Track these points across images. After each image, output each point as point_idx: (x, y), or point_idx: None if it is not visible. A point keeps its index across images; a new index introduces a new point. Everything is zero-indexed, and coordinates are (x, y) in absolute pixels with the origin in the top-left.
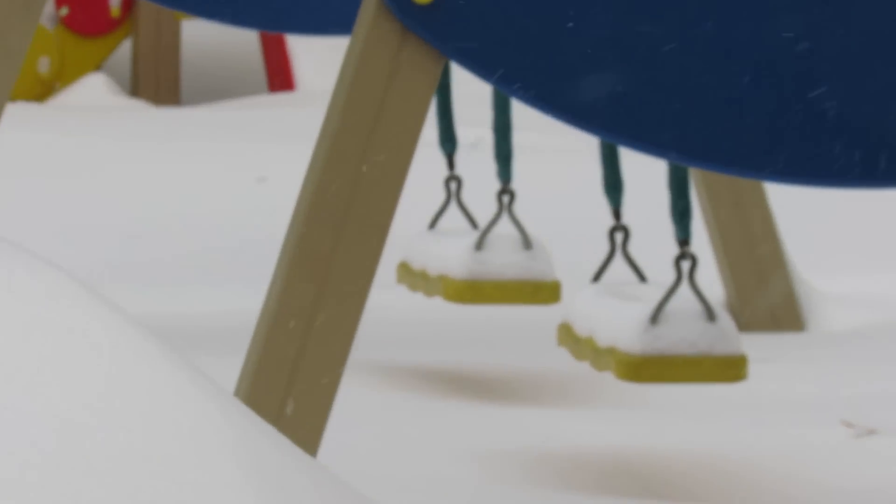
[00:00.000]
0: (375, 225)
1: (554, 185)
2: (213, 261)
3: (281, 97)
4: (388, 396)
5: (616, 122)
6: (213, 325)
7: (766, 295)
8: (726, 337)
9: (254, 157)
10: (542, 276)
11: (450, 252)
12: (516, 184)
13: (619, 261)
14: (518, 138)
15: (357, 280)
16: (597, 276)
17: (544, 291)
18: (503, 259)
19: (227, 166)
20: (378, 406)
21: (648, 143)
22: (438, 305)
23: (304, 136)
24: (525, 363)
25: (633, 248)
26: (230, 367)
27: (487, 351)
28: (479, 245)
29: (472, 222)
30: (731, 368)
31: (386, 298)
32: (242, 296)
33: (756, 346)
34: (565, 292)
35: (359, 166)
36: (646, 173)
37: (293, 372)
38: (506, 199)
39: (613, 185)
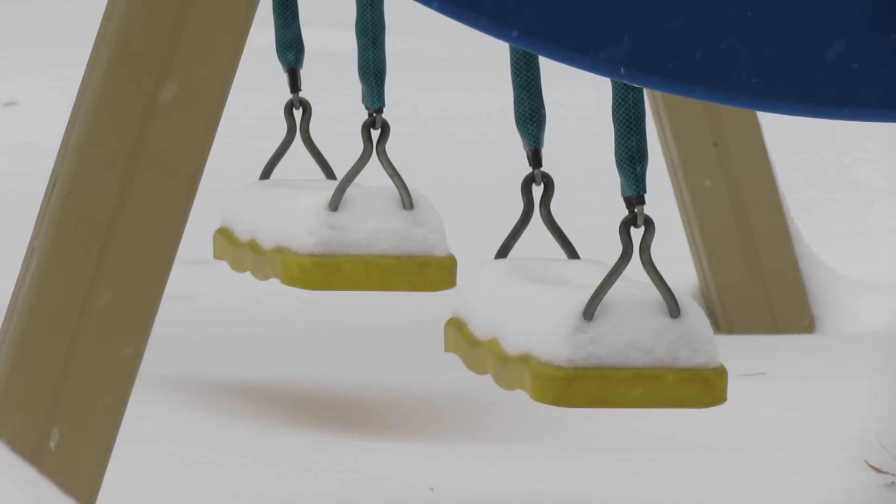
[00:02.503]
0: (177, 175)
1: (448, 111)
2: None
3: None
4: (197, 423)
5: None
6: None
7: (759, 281)
8: (696, 340)
9: None
10: (429, 249)
11: (292, 213)
12: (389, 113)
13: (541, 228)
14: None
15: (153, 252)
16: (503, 250)
17: (432, 271)
18: (370, 223)
19: None
20: (182, 438)
21: (585, 54)
22: (274, 291)
23: (78, 44)
24: (399, 377)
25: (587, 220)
26: None
27: (344, 359)
28: (336, 203)
29: (326, 168)
30: (702, 387)
31: (196, 281)
32: None
33: (744, 355)
34: (463, 273)
35: (152, 93)
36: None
37: (59, 388)
38: (375, 134)
39: (530, 116)
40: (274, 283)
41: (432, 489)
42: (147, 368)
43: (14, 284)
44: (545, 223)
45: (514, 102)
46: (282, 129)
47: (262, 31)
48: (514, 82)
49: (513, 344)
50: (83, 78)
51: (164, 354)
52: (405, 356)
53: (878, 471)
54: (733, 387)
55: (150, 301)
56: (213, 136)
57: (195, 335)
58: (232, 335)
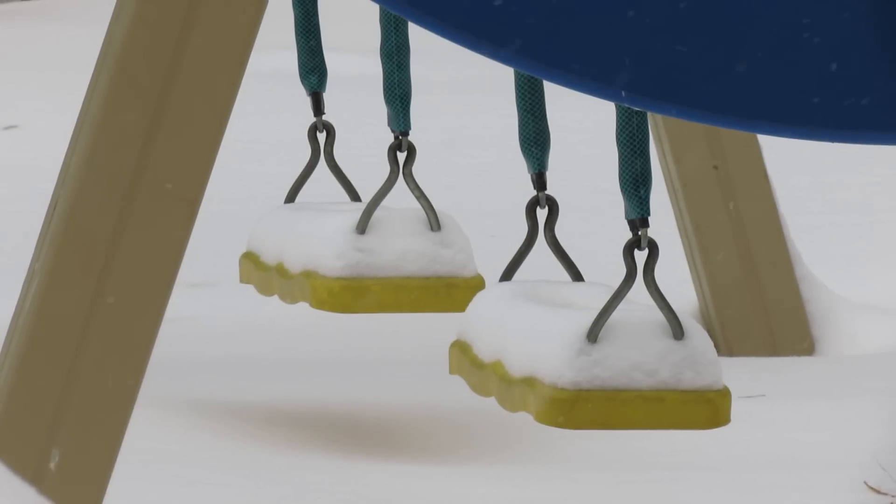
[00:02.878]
0: (178, 198)
1: (447, 134)
2: None
3: (42, 3)
4: (197, 444)
5: (542, 47)
6: None
7: (759, 303)
8: (699, 362)
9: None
10: (457, 270)
11: (319, 237)
12: (377, 137)
13: (544, 251)
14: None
15: (154, 274)
16: (508, 272)
17: (460, 292)
18: (398, 245)
19: None
20: (182, 459)
21: (592, 79)
22: (275, 313)
23: (78, 68)
24: (400, 400)
25: (587, 243)
26: None
27: (345, 381)
28: (363, 225)
29: (351, 191)
30: (706, 408)
31: (197, 303)
32: None
33: (744, 377)
34: None
35: (153, 117)
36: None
37: (59, 409)
38: (401, 156)
39: (535, 140)
40: (275, 305)
41: None
42: (147, 390)
43: (14, 306)
44: (549, 246)
45: (519, 126)
46: (305, 152)
47: (288, 55)
48: (518, 106)
49: (517, 366)
50: (84, 101)
51: (164, 376)
52: (406, 378)
53: (878, 492)
54: (733, 409)
55: (151, 323)
56: (214, 159)
57: (196, 357)
58: (233, 357)
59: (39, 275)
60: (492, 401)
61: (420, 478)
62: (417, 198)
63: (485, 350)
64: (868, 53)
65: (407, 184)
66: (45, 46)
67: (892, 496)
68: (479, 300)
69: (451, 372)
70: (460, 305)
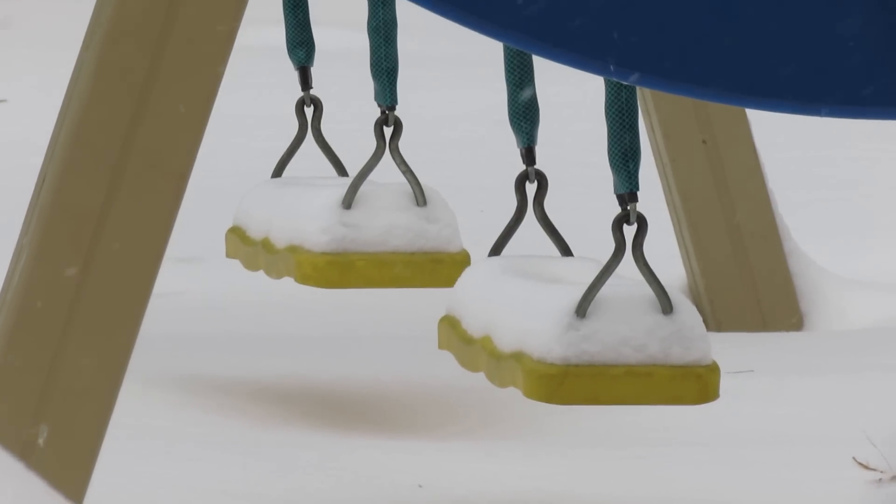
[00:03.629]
0: (166, 172)
1: (437, 109)
2: None
3: None
4: (186, 419)
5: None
6: None
7: (748, 278)
8: (688, 337)
9: None
10: (442, 245)
11: (305, 211)
12: (367, 112)
13: (534, 225)
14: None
15: (142, 249)
16: (497, 247)
17: (446, 267)
18: (384, 220)
19: None
20: (170, 435)
21: (580, 53)
22: (264, 288)
23: (66, 43)
24: (389, 375)
25: (576, 218)
26: None
27: (335, 356)
28: (349, 200)
29: (338, 166)
30: (694, 384)
31: (185, 278)
32: None
33: (734, 352)
34: None
35: (142, 90)
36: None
37: (47, 385)
38: (388, 131)
39: (524, 114)
40: (263, 280)
41: (420, 486)
42: (135, 365)
43: (2, 281)
44: (539, 220)
45: (508, 100)
46: (293, 127)
47: (276, 30)
48: (507, 80)
49: (506, 341)
50: (72, 75)
51: (152, 351)
52: (395, 354)
53: (866, 467)
54: (721, 384)
55: (139, 298)
56: (203, 134)
57: (184, 332)
58: (221, 332)
59: (27, 249)
60: (481, 376)
61: (408, 453)
62: (403, 172)
63: (474, 325)
64: (861, 27)
65: (393, 158)
66: (33, 21)
67: (881, 471)
68: (468, 275)
69: (440, 347)
70: (446, 281)
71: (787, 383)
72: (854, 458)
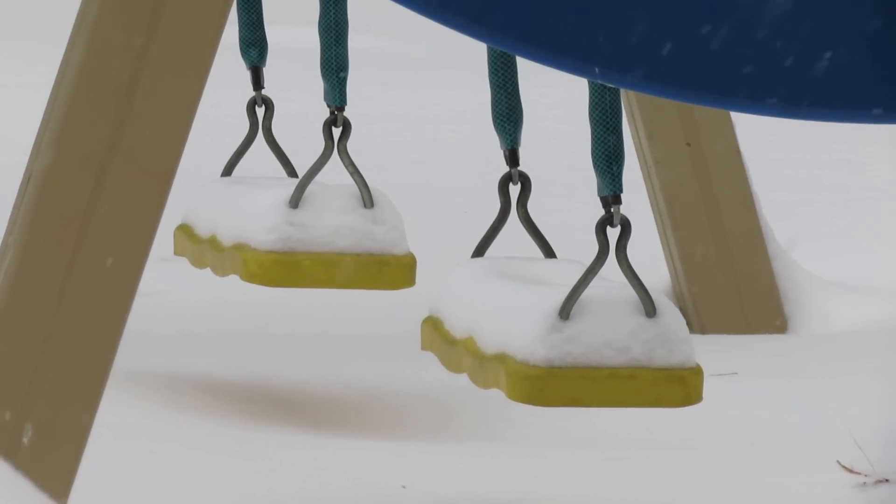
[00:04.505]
0: (152, 172)
1: (421, 109)
2: None
3: None
4: (169, 419)
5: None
6: None
7: (732, 281)
8: (672, 340)
9: None
10: (388, 248)
11: (252, 210)
12: (362, 111)
13: (517, 227)
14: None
15: (127, 249)
16: (480, 248)
17: (391, 270)
18: (331, 221)
19: None
20: (155, 434)
21: (565, 56)
22: (246, 288)
23: (52, 41)
24: (373, 375)
25: (558, 219)
26: None
27: (318, 356)
28: (296, 200)
29: (288, 166)
30: (678, 387)
31: (168, 277)
32: None
33: (717, 355)
34: (424, 271)
35: (127, 89)
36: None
37: (32, 384)
38: (336, 132)
39: (507, 116)
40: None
41: (404, 487)
42: (119, 364)
43: None
44: (522, 222)
45: (492, 102)
46: (246, 126)
47: (229, 29)
48: (491, 82)
49: (489, 343)
50: (58, 73)
51: (136, 351)
52: (379, 355)
53: (850, 471)
54: (705, 387)
55: (123, 297)
56: (188, 133)
57: (168, 332)
58: (204, 332)
59: (13, 248)
60: (464, 377)
61: (393, 454)
62: (351, 174)
63: (457, 326)
64: (845, 30)
65: (341, 159)
66: (17, 18)
67: (865, 475)
68: (451, 276)
69: (423, 348)
70: (391, 283)
71: (771, 386)
72: (838, 461)
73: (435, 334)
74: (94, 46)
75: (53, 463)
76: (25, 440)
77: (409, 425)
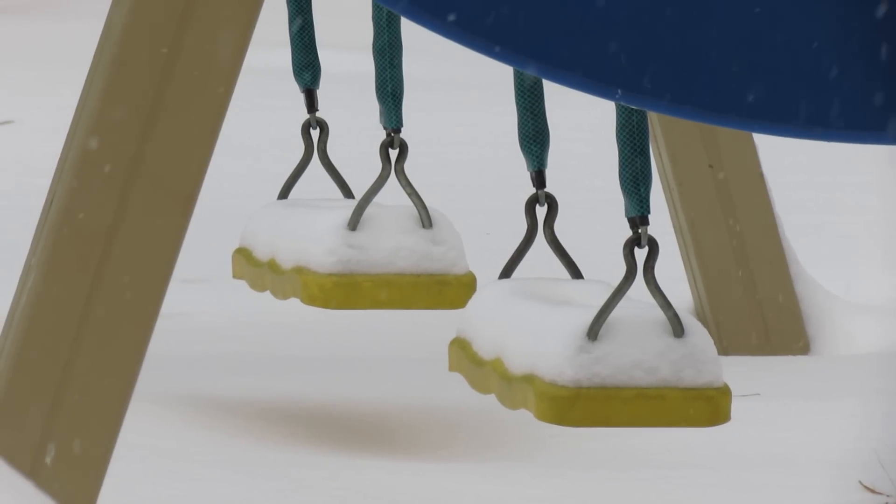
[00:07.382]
0: (174, 193)
1: (443, 132)
2: None
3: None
4: (192, 439)
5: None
6: None
7: (754, 302)
8: (700, 360)
9: None
10: (448, 267)
11: (311, 233)
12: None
13: (543, 248)
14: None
15: (150, 270)
16: (507, 270)
17: (451, 289)
18: (389, 242)
19: None
20: (177, 455)
21: (594, 79)
22: (270, 309)
23: (74, 63)
24: (395, 396)
25: (581, 241)
26: None
27: (341, 377)
28: (355, 222)
29: (344, 187)
30: (706, 406)
31: (192, 298)
32: None
33: (739, 376)
34: None
35: (150, 112)
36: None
37: (55, 403)
38: (393, 153)
39: (534, 138)
40: (269, 301)
41: None
42: (142, 385)
43: (10, 302)
44: (549, 243)
45: (519, 124)
46: (299, 150)
47: (282, 52)
48: (518, 104)
49: (517, 364)
50: (80, 96)
51: (159, 372)
52: (400, 375)
53: (873, 491)
54: None
55: (146, 318)
56: (210, 155)
57: (190, 353)
58: (227, 353)
59: (35, 270)
60: (487, 398)
61: (413, 474)
62: (409, 195)
63: (485, 347)
64: (857, 54)
65: (399, 181)
66: (41, 42)
67: (887, 495)
68: (478, 297)
69: (450, 369)
70: (451, 303)
71: (793, 407)
72: (860, 481)
73: (462, 355)
74: (116, 68)
75: (76, 483)
76: (48, 460)
77: (429, 445)
